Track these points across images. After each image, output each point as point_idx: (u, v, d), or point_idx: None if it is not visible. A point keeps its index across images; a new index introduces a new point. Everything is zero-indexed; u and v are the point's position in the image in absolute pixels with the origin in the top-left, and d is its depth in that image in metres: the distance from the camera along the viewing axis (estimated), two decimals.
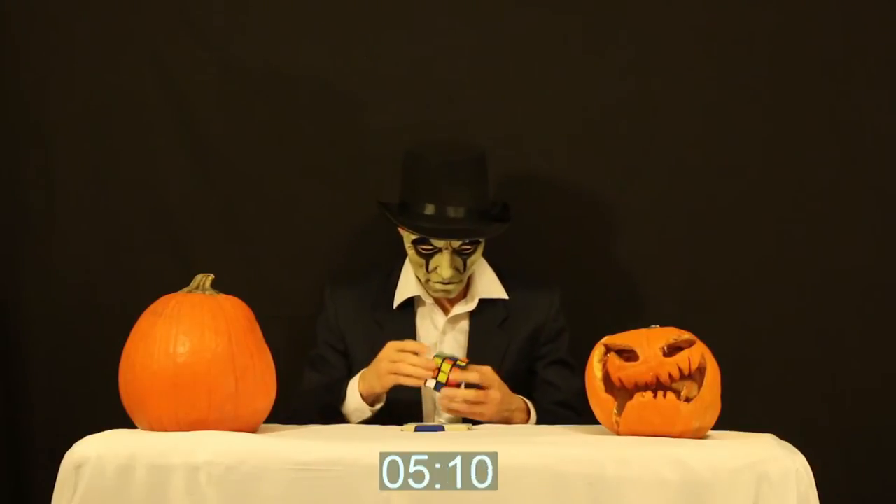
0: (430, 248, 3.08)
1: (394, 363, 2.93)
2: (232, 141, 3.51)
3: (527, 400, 3.08)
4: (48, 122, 3.51)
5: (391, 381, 2.94)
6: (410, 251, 3.11)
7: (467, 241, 3.07)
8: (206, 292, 2.63)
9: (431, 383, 2.91)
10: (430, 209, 3.06)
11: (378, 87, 3.50)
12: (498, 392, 2.96)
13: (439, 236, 3.04)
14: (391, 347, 2.96)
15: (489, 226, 3.10)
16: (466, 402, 2.93)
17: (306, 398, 3.14)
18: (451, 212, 3.05)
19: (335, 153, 3.51)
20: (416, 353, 2.93)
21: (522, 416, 3.05)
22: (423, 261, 3.09)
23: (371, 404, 3.02)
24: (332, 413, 3.04)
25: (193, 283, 2.65)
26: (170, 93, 3.50)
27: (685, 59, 3.46)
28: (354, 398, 3.02)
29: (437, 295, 3.14)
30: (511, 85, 3.49)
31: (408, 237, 3.10)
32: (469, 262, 3.10)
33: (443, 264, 3.06)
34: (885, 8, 3.43)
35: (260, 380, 2.59)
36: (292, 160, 3.51)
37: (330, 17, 3.50)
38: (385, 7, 3.50)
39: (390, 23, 3.49)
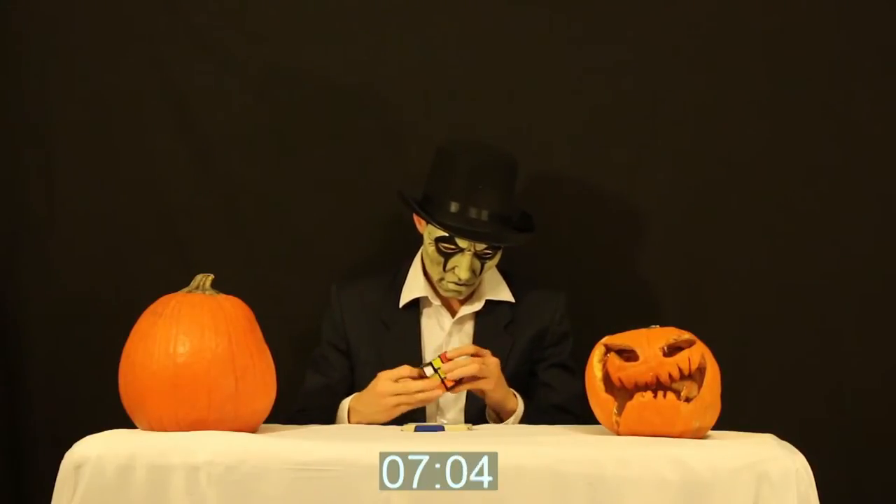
0: (452, 247, 3.07)
1: (398, 395, 2.89)
2: (232, 141, 3.51)
3: (517, 395, 3.08)
4: (48, 122, 3.51)
5: (401, 410, 2.92)
6: (430, 248, 3.09)
7: (490, 245, 3.07)
8: (206, 292, 2.63)
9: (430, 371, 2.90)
10: (454, 207, 3.05)
11: (379, 86, 3.50)
12: (494, 358, 2.95)
13: (469, 237, 3.03)
14: (386, 380, 2.90)
15: (515, 233, 3.10)
16: (472, 356, 2.91)
17: (306, 402, 3.13)
18: (474, 213, 3.04)
19: (335, 153, 3.51)
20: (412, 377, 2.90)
21: (514, 400, 3.04)
22: (442, 259, 3.08)
23: None
24: (329, 418, 3.03)
25: (193, 283, 2.65)
26: (170, 93, 3.50)
27: (687, 60, 3.46)
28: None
29: (448, 294, 3.13)
30: (513, 84, 3.49)
31: (431, 233, 3.09)
32: (486, 266, 3.10)
33: (462, 265, 3.06)
34: (885, 8, 3.43)
35: (260, 380, 2.59)
36: (292, 160, 3.51)
37: (330, 16, 3.50)
38: (385, 7, 3.49)
39: (390, 23, 3.49)
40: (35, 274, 3.50)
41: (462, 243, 3.05)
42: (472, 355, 2.93)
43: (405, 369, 2.90)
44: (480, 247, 3.06)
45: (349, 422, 3.00)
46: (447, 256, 3.08)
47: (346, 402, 3.03)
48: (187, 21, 3.50)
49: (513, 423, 3.03)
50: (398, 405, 2.90)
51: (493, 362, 2.95)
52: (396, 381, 2.89)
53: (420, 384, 2.88)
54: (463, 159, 3.07)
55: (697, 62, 3.46)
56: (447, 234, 3.04)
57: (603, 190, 3.50)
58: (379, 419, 2.94)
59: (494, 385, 2.96)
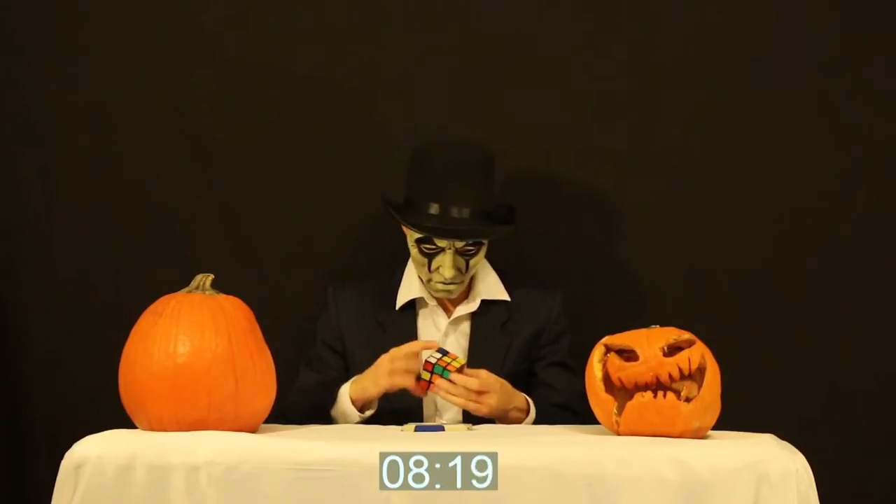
0: (433, 247, 3.08)
1: (394, 360, 2.92)
2: (232, 141, 3.51)
3: (528, 398, 3.08)
4: (48, 122, 3.51)
5: (388, 382, 2.94)
6: (413, 250, 3.11)
7: (470, 241, 3.07)
8: (206, 292, 2.63)
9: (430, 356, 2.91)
10: (434, 208, 3.06)
11: (379, 87, 3.50)
12: (495, 397, 2.95)
13: (443, 236, 3.04)
14: (393, 351, 2.95)
15: (493, 227, 3.10)
16: (466, 392, 2.91)
17: (298, 396, 3.13)
18: (455, 212, 3.05)
19: (335, 153, 3.51)
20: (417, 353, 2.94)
21: (520, 414, 3.05)
22: (425, 260, 3.09)
23: (361, 410, 3.02)
24: (320, 414, 3.04)
25: (193, 283, 2.65)
26: (170, 93, 3.50)
27: (686, 59, 3.46)
28: (344, 402, 3.02)
29: (438, 295, 3.14)
30: (512, 84, 3.48)
31: (411, 236, 3.10)
32: (471, 263, 3.10)
33: (445, 264, 3.06)
34: (885, 8, 3.43)
35: (260, 380, 2.59)
36: (292, 160, 3.51)
37: (330, 17, 3.50)
38: (385, 7, 3.49)
39: (390, 23, 3.49)
40: (35, 274, 3.50)
41: (441, 242, 3.06)
42: (478, 391, 2.93)
43: (419, 343, 2.96)
44: (461, 244, 3.07)
45: (350, 396, 3.01)
46: (429, 257, 3.08)
47: (347, 382, 3.05)
48: (187, 21, 3.49)
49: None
50: (393, 371, 2.92)
51: (486, 403, 2.94)
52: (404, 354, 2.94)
53: (418, 345, 2.94)
54: (435, 159, 3.08)
55: (697, 62, 3.46)
56: (422, 235, 3.05)
57: (603, 190, 3.50)
58: (372, 388, 2.97)
59: (485, 413, 2.96)
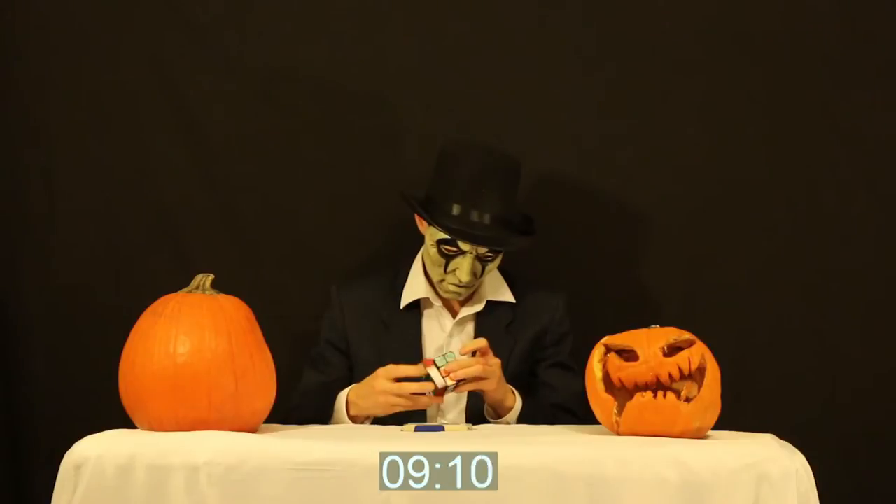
0: (454, 249, 3.06)
1: (395, 395, 2.89)
2: (232, 141, 3.51)
3: (513, 388, 3.08)
4: (48, 122, 3.51)
5: (397, 410, 2.92)
6: (432, 249, 3.09)
7: (492, 248, 3.06)
8: (206, 292, 2.64)
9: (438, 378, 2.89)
10: (456, 209, 3.05)
11: (379, 87, 3.50)
12: (494, 358, 2.94)
13: (472, 241, 3.03)
14: (384, 378, 2.90)
15: (517, 237, 3.10)
16: (476, 358, 2.89)
17: (302, 399, 3.13)
18: (476, 216, 3.04)
19: (335, 153, 3.51)
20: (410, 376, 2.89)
21: (512, 397, 3.04)
22: (443, 261, 3.08)
23: (361, 422, 3.02)
24: (323, 421, 3.03)
25: (193, 283, 2.65)
26: (169, 93, 3.50)
27: (687, 60, 3.46)
28: (341, 419, 3.01)
29: (447, 296, 3.13)
30: (513, 85, 3.48)
31: (432, 235, 3.08)
32: (487, 268, 3.10)
33: (463, 268, 3.06)
34: (885, 8, 3.43)
35: (260, 380, 2.60)
36: (292, 160, 3.51)
37: (330, 16, 3.50)
38: (386, 7, 3.49)
39: (391, 24, 3.49)
40: (35, 274, 3.50)
41: (464, 246, 3.05)
42: (475, 353, 2.92)
43: (403, 369, 2.90)
44: (482, 250, 3.06)
45: (348, 413, 3.00)
46: (448, 258, 3.08)
47: (343, 394, 3.03)
48: (187, 21, 3.49)
49: (511, 420, 3.04)
50: (394, 405, 2.91)
51: (495, 362, 2.95)
52: (394, 380, 2.89)
53: (417, 387, 2.87)
54: (465, 161, 3.07)
55: (697, 62, 3.46)
56: (449, 237, 3.04)
57: (604, 191, 3.50)
58: (376, 413, 2.96)
59: (496, 385, 2.96)
